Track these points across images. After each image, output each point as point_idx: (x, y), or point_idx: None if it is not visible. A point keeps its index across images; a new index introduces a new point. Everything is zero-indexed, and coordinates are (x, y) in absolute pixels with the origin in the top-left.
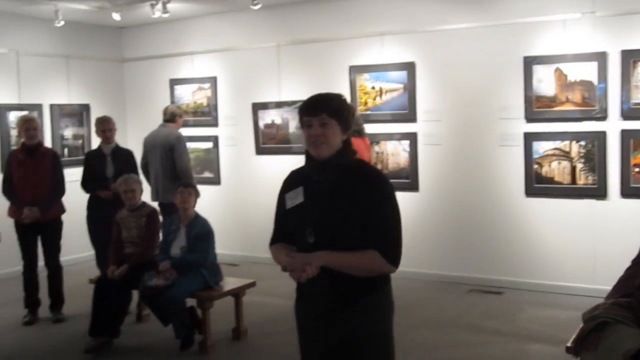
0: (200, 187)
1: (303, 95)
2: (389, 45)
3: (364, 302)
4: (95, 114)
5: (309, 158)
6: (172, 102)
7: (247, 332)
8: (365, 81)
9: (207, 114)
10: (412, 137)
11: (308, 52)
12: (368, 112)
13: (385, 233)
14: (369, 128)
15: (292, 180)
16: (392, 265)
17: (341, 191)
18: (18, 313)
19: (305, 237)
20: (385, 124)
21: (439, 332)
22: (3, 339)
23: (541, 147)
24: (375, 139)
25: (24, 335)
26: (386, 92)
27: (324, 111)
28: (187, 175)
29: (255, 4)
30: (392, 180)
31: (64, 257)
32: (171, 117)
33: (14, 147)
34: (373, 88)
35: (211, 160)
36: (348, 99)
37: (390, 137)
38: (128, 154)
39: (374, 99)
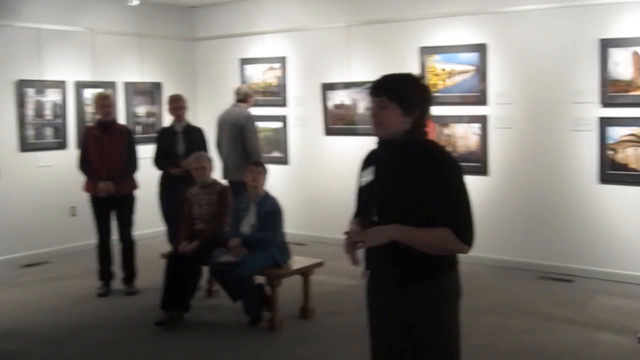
0: (268, 167)
1: (372, 76)
2: (460, 26)
3: (429, 283)
4: (166, 92)
5: (378, 137)
6: (243, 81)
7: (314, 311)
8: (436, 62)
9: (277, 94)
10: (482, 120)
11: (378, 32)
12: (438, 94)
13: (456, 211)
14: (438, 110)
15: (369, 159)
16: (466, 244)
17: (406, 171)
18: (92, 285)
19: (370, 216)
20: (455, 106)
21: (506, 317)
22: (78, 309)
23: (616, 133)
24: (445, 121)
25: (98, 306)
26: (457, 73)
27: (384, 93)
28: (257, 154)
29: None
30: (461, 164)
31: (137, 232)
32: (244, 96)
33: (89, 124)
34: (443, 70)
35: (280, 140)
36: None
37: (460, 119)
38: (199, 132)
39: (444, 81)
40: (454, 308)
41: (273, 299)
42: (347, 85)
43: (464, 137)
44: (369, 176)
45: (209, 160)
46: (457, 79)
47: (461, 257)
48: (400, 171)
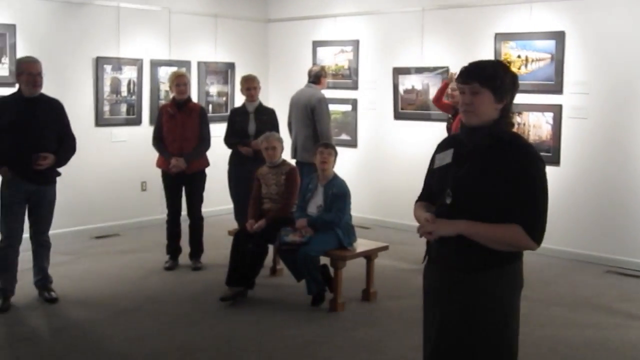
0: (339, 149)
1: (445, 61)
2: (537, 13)
3: (490, 273)
4: (239, 73)
5: (462, 122)
6: (314, 63)
7: (376, 294)
8: (511, 49)
9: (348, 77)
10: (556, 110)
11: (453, 17)
12: None
13: (533, 210)
14: None
15: (447, 143)
16: (535, 242)
17: (488, 159)
18: (160, 258)
19: (443, 198)
20: (529, 94)
21: (571, 310)
22: (146, 281)
23: None
24: (517, 109)
25: (165, 280)
26: (532, 61)
27: (476, 80)
28: (327, 137)
29: None
30: None
31: (206, 209)
32: (315, 78)
33: (163, 102)
34: (519, 57)
35: (349, 123)
36: None
37: (533, 108)
38: (271, 113)
39: (519, 69)
40: (515, 298)
41: (336, 280)
42: (419, 70)
43: (536, 126)
44: (446, 159)
45: (279, 140)
46: (532, 66)
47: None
48: (482, 158)
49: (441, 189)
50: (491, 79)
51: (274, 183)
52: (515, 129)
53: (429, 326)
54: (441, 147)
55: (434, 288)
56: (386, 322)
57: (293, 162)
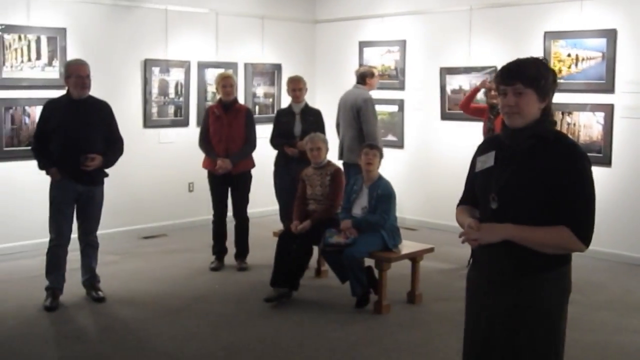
0: (383, 150)
1: (493, 61)
2: (588, 10)
3: (537, 278)
4: (286, 74)
5: (504, 124)
6: (361, 64)
7: (422, 296)
8: (561, 48)
9: (394, 77)
10: (607, 109)
11: (501, 16)
12: (562, 81)
13: (580, 210)
14: (561, 97)
15: (487, 145)
16: (584, 244)
17: (532, 160)
18: (206, 258)
19: (488, 203)
20: (579, 93)
21: (621, 315)
22: (192, 281)
23: None
24: (567, 109)
25: (211, 280)
26: (582, 60)
27: (519, 80)
28: (373, 137)
29: None
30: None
31: (251, 210)
32: (361, 79)
33: (210, 103)
34: (569, 55)
35: (395, 124)
36: None
37: (583, 107)
38: (316, 114)
39: (569, 67)
40: (562, 303)
41: (381, 282)
42: (467, 70)
43: (586, 126)
44: (488, 162)
45: (324, 141)
46: (583, 65)
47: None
48: (526, 159)
49: (485, 193)
50: (535, 78)
51: (319, 184)
52: (565, 129)
53: (472, 329)
54: (482, 149)
55: (479, 291)
56: (432, 324)
57: (339, 163)
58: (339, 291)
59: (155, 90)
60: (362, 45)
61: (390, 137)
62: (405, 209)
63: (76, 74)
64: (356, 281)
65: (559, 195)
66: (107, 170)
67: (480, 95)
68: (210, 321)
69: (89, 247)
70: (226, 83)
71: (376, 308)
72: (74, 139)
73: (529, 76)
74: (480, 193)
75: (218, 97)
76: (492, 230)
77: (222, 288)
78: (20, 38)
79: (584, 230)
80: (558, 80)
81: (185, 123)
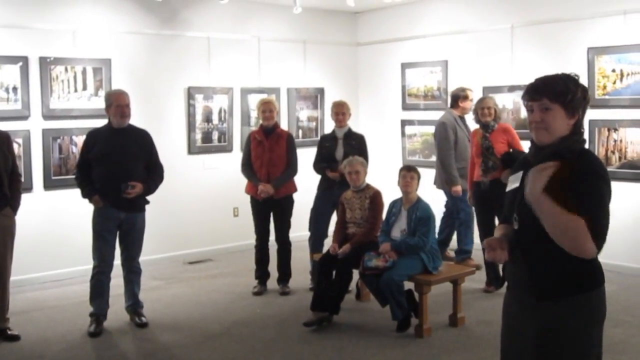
0: (427, 171)
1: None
2: (632, 24)
3: (561, 302)
4: (329, 97)
5: (531, 141)
6: (403, 85)
7: (464, 319)
8: (605, 63)
9: (437, 98)
10: None
11: (543, 32)
12: (607, 97)
13: (593, 212)
14: (607, 114)
15: (520, 165)
16: (595, 243)
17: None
18: (250, 283)
19: (512, 223)
20: (626, 109)
21: None
22: (234, 306)
23: None
24: (613, 125)
25: (253, 304)
26: (628, 75)
27: (545, 95)
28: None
29: None
30: (630, 171)
31: (294, 234)
32: (453, 101)
33: (253, 128)
34: (613, 71)
35: None
36: (585, 82)
37: (631, 124)
38: (359, 138)
39: (614, 83)
40: (593, 329)
41: (422, 306)
42: (511, 89)
43: (634, 142)
44: (515, 182)
45: (362, 164)
46: (628, 80)
47: (623, 269)
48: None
49: (510, 214)
50: (562, 94)
51: (358, 207)
52: (612, 146)
53: (505, 351)
54: (515, 169)
55: (510, 313)
56: (474, 348)
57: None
58: (380, 315)
59: (199, 117)
60: (404, 66)
61: (434, 158)
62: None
63: (116, 103)
64: (396, 305)
65: (576, 206)
66: (153, 197)
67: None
68: (250, 346)
69: (132, 273)
70: (266, 108)
71: (417, 332)
72: (115, 168)
73: (556, 91)
74: (507, 214)
75: (260, 122)
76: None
77: (264, 312)
78: (67, 69)
79: (598, 227)
80: (604, 97)
81: (229, 149)
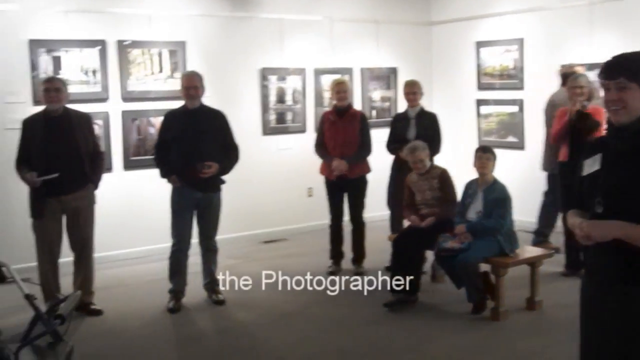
0: (503, 152)
1: None
2: None
3: None
4: (402, 77)
5: (609, 123)
6: (478, 64)
7: (541, 303)
8: None
9: (513, 77)
10: None
11: (623, 8)
12: None
13: None
14: None
15: (594, 147)
16: None
17: (638, 160)
18: (324, 263)
19: (594, 207)
20: None
21: None
22: (309, 285)
23: None
24: None
25: (328, 284)
26: None
27: (622, 74)
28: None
29: None
30: None
31: (368, 214)
32: (563, 79)
33: (326, 109)
34: None
35: (516, 124)
36: None
37: None
38: (432, 118)
39: None
40: None
41: (497, 288)
42: (590, 67)
43: None
44: (594, 165)
45: (424, 150)
46: None
47: None
48: (632, 159)
49: (591, 197)
50: (639, 72)
51: (427, 189)
52: None
53: (586, 338)
54: (588, 151)
55: (592, 300)
56: (551, 332)
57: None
58: (455, 297)
59: (273, 98)
60: (479, 45)
61: (511, 139)
62: (528, 212)
63: (184, 84)
64: (471, 287)
65: None
66: (229, 177)
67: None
68: (324, 325)
69: (209, 251)
70: (339, 89)
71: (493, 314)
72: (191, 148)
73: (632, 70)
74: (587, 197)
75: (333, 102)
76: (603, 226)
77: (341, 292)
78: (143, 52)
79: None
80: None
81: (303, 129)
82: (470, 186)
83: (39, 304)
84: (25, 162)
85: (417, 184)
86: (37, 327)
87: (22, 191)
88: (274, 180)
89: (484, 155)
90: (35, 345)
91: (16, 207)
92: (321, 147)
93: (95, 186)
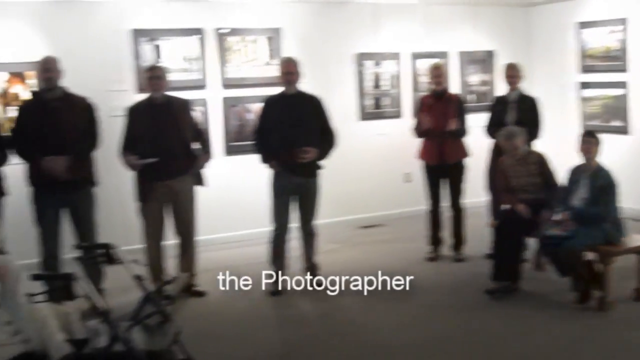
0: (607, 137)
1: None
2: None
3: None
4: (500, 61)
5: None
6: (580, 46)
7: None
8: None
9: (617, 59)
10: None
11: None
12: None
13: None
14: None
15: None
16: None
17: None
18: (422, 249)
19: None
20: None
21: None
22: (408, 271)
23: None
24: None
25: (427, 270)
26: None
27: None
28: None
29: None
30: None
31: (467, 200)
32: None
33: (423, 93)
34: None
35: (620, 108)
36: None
37: None
38: (531, 101)
39: None
40: None
41: (604, 278)
42: None
43: None
44: None
45: (521, 134)
46: None
47: None
48: None
49: None
50: None
51: (524, 174)
52: None
53: None
54: None
55: None
56: None
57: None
58: (559, 285)
59: (369, 83)
60: (582, 26)
61: (615, 123)
62: (633, 199)
63: (283, 70)
64: (576, 275)
65: None
66: (327, 162)
67: None
68: (424, 311)
69: (308, 235)
70: (436, 73)
71: (599, 305)
72: (289, 133)
73: None
74: None
75: (430, 87)
76: None
77: (437, 278)
78: (241, 40)
79: None
80: None
81: (399, 114)
82: (575, 172)
83: (146, 284)
84: (130, 148)
85: (514, 168)
86: (146, 307)
87: (128, 176)
88: (370, 165)
89: (589, 139)
90: (145, 324)
91: (123, 191)
92: (420, 130)
93: (208, 157)
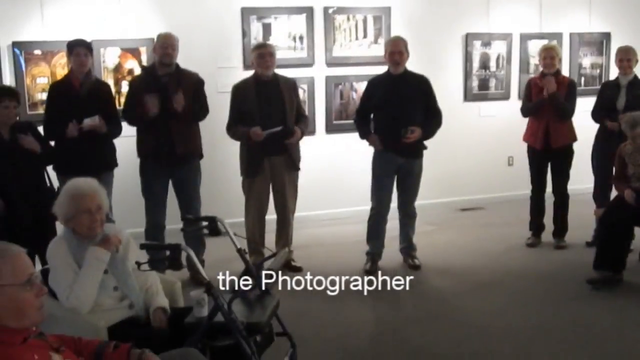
0: None
1: None
2: None
3: None
4: (615, 44)
5: None
6: None
7: None
8: None
9: None
10: None
11: None
12: None
13: None
14: None
15: None
16: None
17: None
18: (522, 234)
19: None
20: None
21: None
22: (506, 256)
23: None
24: None
25: (526, 256)
26: None
27: None
28: None
29: None
30: None
31: (572, 186)
32: None
33: (532, 75)
34: None
35: None
36: None
37: None
38: None
39: None
40: None
41: None
42: None
43: None
44: None
45: None
46: None
47: None
48: None
49: None
50: None
51: None
52: None
53: None
54: None
55: None
56: None
57: None
58: None
59: (476, 64)
60: None
61: None
62: None
63: (390, 49)
64: None
65: None
66: (429, 143)
67: None
68: (522, 298)
69: (407, 216)
70: (547, 55)
71: None
72: (395, 113)
73: None
74: None
75: (540, 69)
76: None
77: (537, 266)
78: (348, 18)
79: None
80: None
81: (506, 96)
82: None
83: (248, 258)
84: (237, 125)
85: (633, 155)
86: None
87: (232, 151)
88: (474, 147)
89: None
90: (246, 297)
91: (226, 165)
92: (526, 112)
93: (300, 136)
